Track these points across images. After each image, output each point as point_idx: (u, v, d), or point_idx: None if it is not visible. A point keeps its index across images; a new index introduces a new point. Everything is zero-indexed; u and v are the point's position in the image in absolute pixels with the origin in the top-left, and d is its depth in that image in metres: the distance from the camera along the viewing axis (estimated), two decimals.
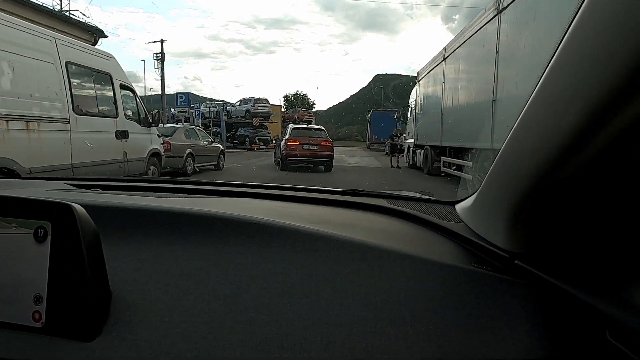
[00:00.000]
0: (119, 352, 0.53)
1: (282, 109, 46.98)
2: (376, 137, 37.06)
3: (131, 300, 0.59)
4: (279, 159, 14.34)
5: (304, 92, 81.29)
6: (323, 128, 15.49)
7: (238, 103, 32.61)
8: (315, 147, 13.51)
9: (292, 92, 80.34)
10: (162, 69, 35.90)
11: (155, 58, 36.16)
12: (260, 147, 30.06)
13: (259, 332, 0.55)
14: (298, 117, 41.01)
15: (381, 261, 0.65)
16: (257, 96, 32.18)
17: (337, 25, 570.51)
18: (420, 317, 0.57)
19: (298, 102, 67.16)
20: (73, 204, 0.55)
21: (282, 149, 13.67)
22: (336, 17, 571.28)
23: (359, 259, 0.66)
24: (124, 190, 1.13)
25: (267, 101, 32.13)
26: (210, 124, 29.51)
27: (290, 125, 15.71)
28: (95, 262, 0.55)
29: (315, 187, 1.24)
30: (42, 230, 0.54)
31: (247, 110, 30.95)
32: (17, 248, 0.55)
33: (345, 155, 26.57)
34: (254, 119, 30.12)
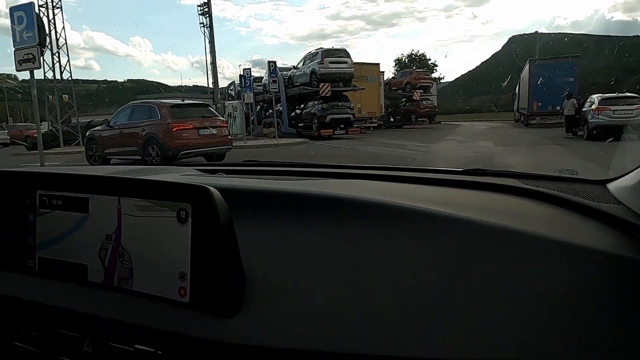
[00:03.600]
0: (256, 329, 0.55)
1: (391, 74, 33.70)
2: (540, 104, 21.88)
3: (263, 279, 0.60)
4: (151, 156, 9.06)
5: (421, 52, 64.23)
6: (208, 104, 11.58)
7: (301, 62, 20.38)
8: (215, 132, 9.56)
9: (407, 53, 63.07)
10: (211, 26, 25.99)
11: (199, 12, 26.31)
12: (337, 132, 17.97)
13: (391, 318, 0.53)
14: (410, 82, 27.90)
15: (529, 249, 0.58)
16: (327, 46, 19.66)
17: None
18: (582, 315, 0.50)
19: (414, 65, 52.18)
20: (209, 187, 0.58)
21: (163, 138, 8.99)
22: None
23: (503, 246, 0.59)
24: (243, 174, 1.17)
25: (344, 53, 19.19)
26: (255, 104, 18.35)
27: (158, 102, 9.99)
28: (231, 242, 0.58)
29: (432, 167, 1.16)
30: (184, 211, 0.59)
31: (313, 72, 18.69)
32: (164, 228, 0.60)
33: (494, 145, 13.02)
34: (321, 85, 17.91)
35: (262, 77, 23.76)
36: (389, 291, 0.56)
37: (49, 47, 19.99)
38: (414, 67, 41.05)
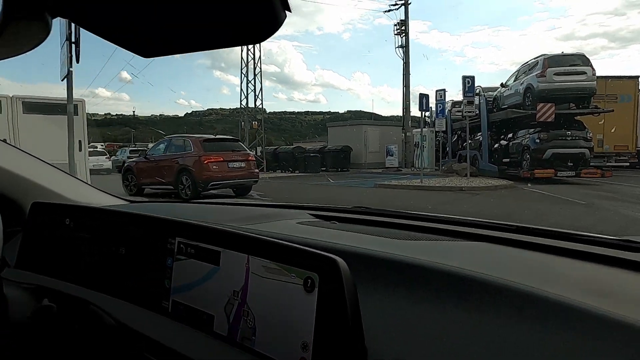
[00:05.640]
0: None
1: None
2: None
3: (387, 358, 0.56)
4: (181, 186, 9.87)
5: None
6: (238, 138, 12.44)
7: (512, 78, 15.04)
8: (243, 166, 10.23)
9: None
10: (407, 45, 23.14)
11: (395, 31, 23.76)
12: (562, 173, 12.42)
13: None
14: None
15: None
16: (551, 52, 13.80)
17: None
18: None
19: None
20: (337, 259, 0.57)
21: (195, 169, 9.70)
22: None
23: None
24: (356, 223, 1.13)
25: (582, 60, 12.98)
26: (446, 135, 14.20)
27: (192, 136, 10.85)
28: (355, 317, 0.56)
29: (571, 231, 0.90)
30: (310, 280, 0.58)
31: (529, 89, 13.44)
32: (290, 294, 0.60)
33: None
34: (539, 106, 12.55)
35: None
36: None
37: (245, 74, 20.59)
38: None
